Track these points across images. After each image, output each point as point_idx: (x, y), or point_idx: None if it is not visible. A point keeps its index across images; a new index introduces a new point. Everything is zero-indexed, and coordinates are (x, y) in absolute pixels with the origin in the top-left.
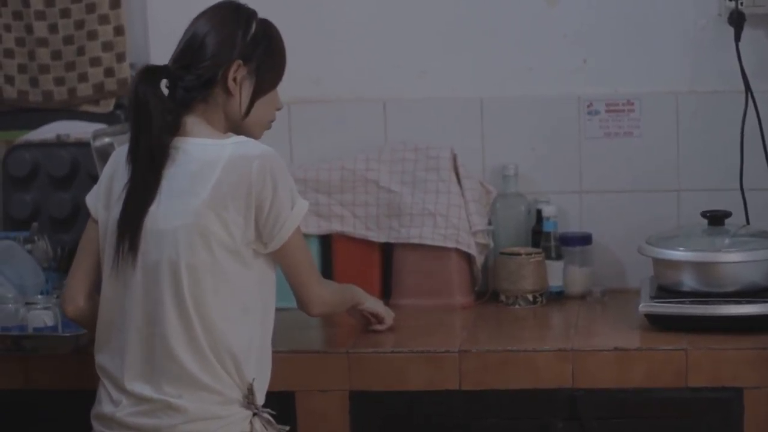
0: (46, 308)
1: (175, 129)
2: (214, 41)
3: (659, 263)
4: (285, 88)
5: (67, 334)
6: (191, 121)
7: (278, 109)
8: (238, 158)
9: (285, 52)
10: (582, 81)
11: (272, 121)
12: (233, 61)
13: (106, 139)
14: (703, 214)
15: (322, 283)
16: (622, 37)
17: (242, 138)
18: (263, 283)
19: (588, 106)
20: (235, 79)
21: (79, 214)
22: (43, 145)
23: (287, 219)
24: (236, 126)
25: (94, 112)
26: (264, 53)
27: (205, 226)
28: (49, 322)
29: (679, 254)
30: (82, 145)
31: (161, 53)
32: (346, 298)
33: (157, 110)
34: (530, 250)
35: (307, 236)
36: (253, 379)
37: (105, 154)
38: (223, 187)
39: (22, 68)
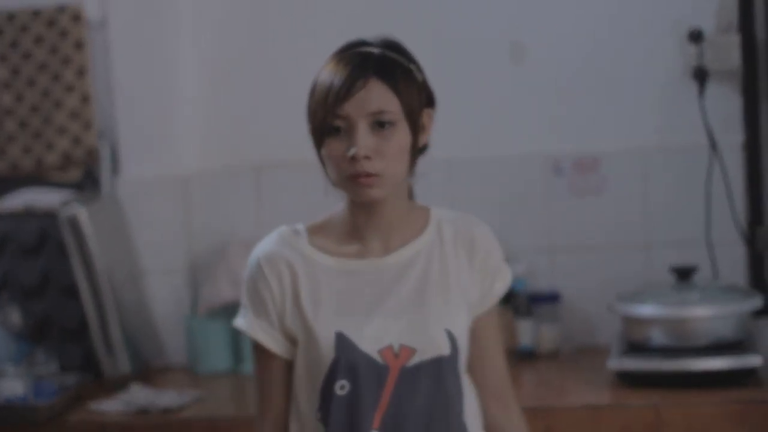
0: (16, 377)
1: None
2: None
3: (628, 320)
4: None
5: (41, 404)
6: None
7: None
8: None
9: (325, 87)
10: (548, 139)
11: (350, 176)
12: None
13: (75, 209)
14: (671, 270)
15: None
16: (588, 95)
17: None
18: None
19: (555, 165)
20: None
21: (48, 284)
22: (11, 216)
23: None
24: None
25: (61, 180)
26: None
27: None
28: (20, 391)
29: (648, 311)
30: (51, 215)
31: (128, 121)
32: None
33: None
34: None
35: None
36: None
37: (74, 223)
38: None
39: None
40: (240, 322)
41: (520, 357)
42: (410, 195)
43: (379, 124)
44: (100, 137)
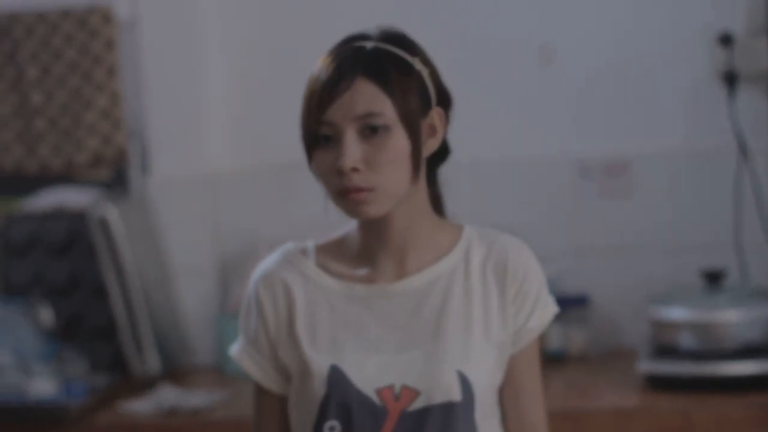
0: (47, 377)
1: None
2: None
3: (658, 323)
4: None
5: (71, 404)
6: None
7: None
8: None
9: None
10: (577, 142)
11: (339, 192)
12: None
13: (105, 208)
14: (701, 273)
15: None
16: (616, 98)
17: None
18: None
19: (584, 168)
20: None
21: (77, 284)
22: (41, 215)
23: None
24: None
25: (91, 180)
26: None
27: None
28: (50, 390)
29: (677, 314)
30: (80, 214)
31: (157, 121)
32: None
33: None
34: None
35: None
36: None
37: (104, 222)
38: None
39: (18, 137)
40: (234, 350)
41: (549, 360)
42: (439, 210)
43: (371, 130)
44: (129, 137)
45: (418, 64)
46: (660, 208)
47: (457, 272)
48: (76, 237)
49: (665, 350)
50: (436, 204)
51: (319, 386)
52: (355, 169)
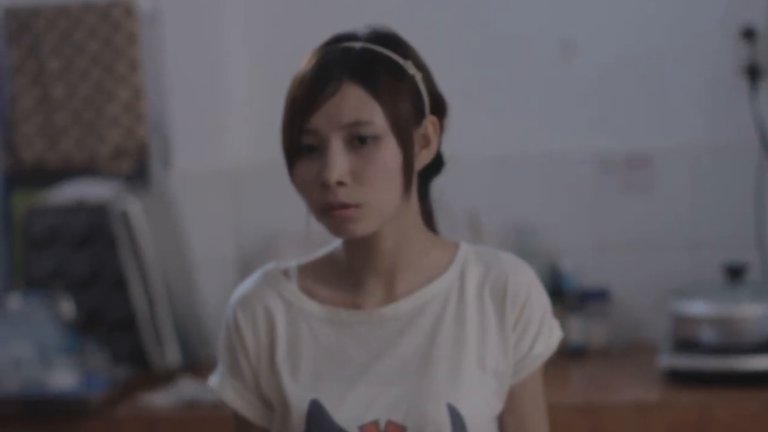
0: (67, 369)
1: None
2: None
3: (678, 318)
4: None
5: (92, 396)
6: None
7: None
8: None
9: (292, 96)
10: (598, 137)
11: (323, 208)
12: None
13: (126, 201)
14: (722, 267)
15: None
16: (637, 92)
17: None
18: None
19: (605, 162)
20: None
21: (98, 276)
22: (63, 208)
23: None
24: None
25: (113, 172)
26: None
27: None
28: (71, 382)
29: (698, 309)
30: (102, 207)
31: (179, 114)
32: None
33: None
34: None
35: None
36: None
37: (125, 215)
38: None
39: (40, 131)
40: (213, 380)
41: (570, 354)
42: (432, 227)
43: (359, 140)
44: (151, 130)
45: (410, 68)
46: (681, 203)
47: (451, 295)
48: (97, 230)
49: (686, 345)
50: (429, 220)
51: (298, 423)
52: (341, 183)
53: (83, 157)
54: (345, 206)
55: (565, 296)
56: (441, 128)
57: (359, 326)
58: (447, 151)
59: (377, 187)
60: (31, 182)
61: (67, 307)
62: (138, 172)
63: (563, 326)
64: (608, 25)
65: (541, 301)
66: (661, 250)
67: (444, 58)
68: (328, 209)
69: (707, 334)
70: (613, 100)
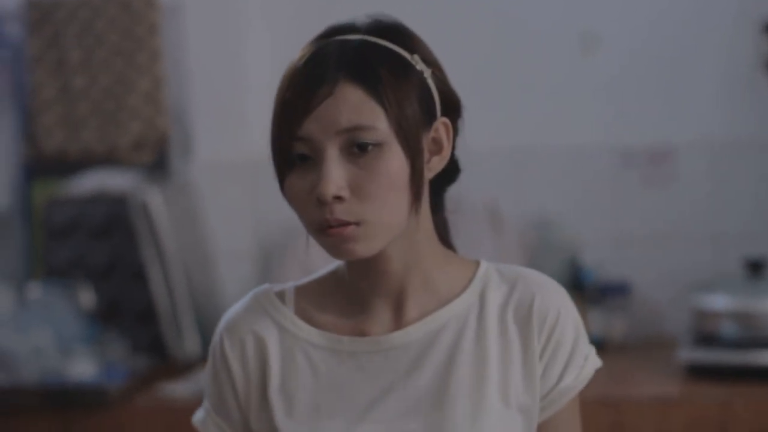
0: (87, 359)
1: None
2: None
3: (699, 312)
4: None
5: (111, 386)
6: None
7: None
8: None
9: (281, 99)
10: (619, 130)
11: (319, 227)
12: None
13: (146, 192)
14: (743, 261)
15: None
16: (658, 87)
17: None
18: None
19: (627, 156)
20: None
21: (117, 267)
22: (83, 199)
23: None
24: None
25: (134, 163)
26: None
27: None
28: (90, 372)
29: (719, 303)
30: (121, 198)
31: (200, 105)
32: None
33: None
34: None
35: None
36: None
37: (145, 206)
38: None
39: (61, 121)
40: (197, 417)
41: None
42: (447, 242)
43: (359, 148)
44: (172, 121)
45: (418, 63)
46: (702, 197)
47: (469, 319)
48: (117, 220)
49: (706, 339)
50: (444, 234)
51: None
52: (338, 198)
53: (104, 148)
54: (344, 224)
55: (586, 290)
56: (455, 130)
57: (364, 356)
58: (464, 152)
59: (381, 201)
60: (52, 173)
61: (86, 297)
62: (158, 163)
63: (583, 320)
64: (629, 18)
65: (573, 324)
66: (681, 244)
67: (465, 50)
68: (324, 227)
69: (728, 328)
70: (634, 93)
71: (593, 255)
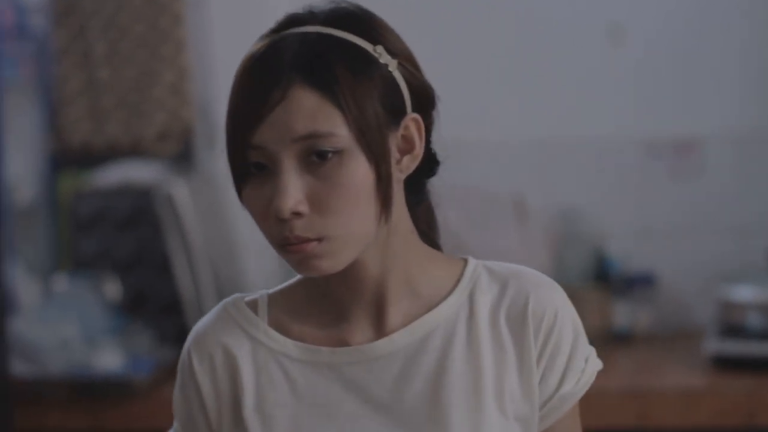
0: (113, 350)
1: None
2: None
3: (725, 303)
4: None
5: (137, 378)
6: None
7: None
8: None
9: (232, 103)
10: (646, 122)
11: (279, 244)
12: None
13: (171, 184)
14: None
15: None
16: (686, 78)
17: None
18: None
19: (653, 147)
20: None
21: (142, 259)
22: (109, 191)
23: None
24: None
25: (159, 154)
26: None
27: None
28: (117, 364)
29: (745, 294)
30: (147, 190)
31: (225, 97)
32: None
33: None
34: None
35: None
36: None
37: (170, 198)
38: None
39: (86, 114)
40: None
41: (616, 339)
42: (432, 240)
43: (318, 156)
44: (197, 112)
45: (382, 55)
46: (728, 189)
47: (459, 323)
48: (142, 212)
49: (732, 330)
50: (428, 231)
51: None
52: (297, 214)
53: (129, 140)
54: (304, 241)
55: (611, 281)
56: (431, 122)
57: (347, 367)
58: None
59: (344, 215)
60: (78, 165)
61: (112, 289)
62: (183, 155)
63: (609, 312)
64: (655, 9)
65: (571, 326)
66: (707, 236)
67: (491, 43)
68: (284, 245)
69: (754, 320)
70: (661, 85)
71: (619, 246)
